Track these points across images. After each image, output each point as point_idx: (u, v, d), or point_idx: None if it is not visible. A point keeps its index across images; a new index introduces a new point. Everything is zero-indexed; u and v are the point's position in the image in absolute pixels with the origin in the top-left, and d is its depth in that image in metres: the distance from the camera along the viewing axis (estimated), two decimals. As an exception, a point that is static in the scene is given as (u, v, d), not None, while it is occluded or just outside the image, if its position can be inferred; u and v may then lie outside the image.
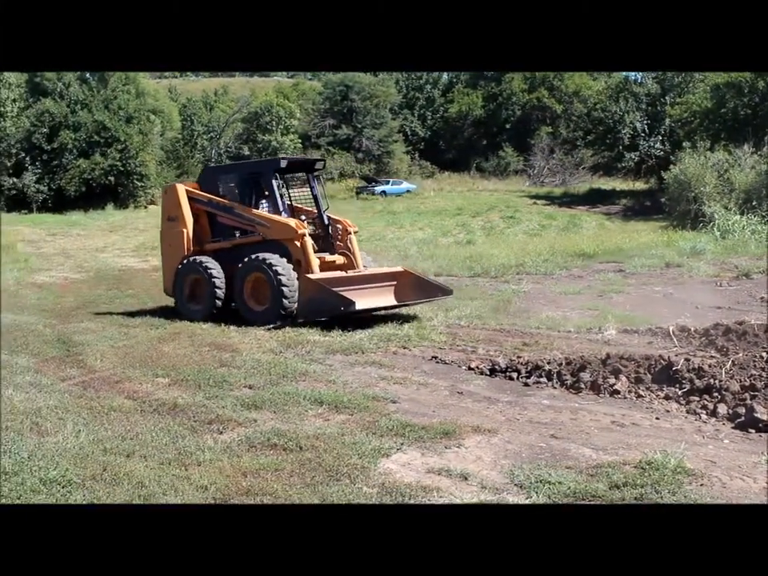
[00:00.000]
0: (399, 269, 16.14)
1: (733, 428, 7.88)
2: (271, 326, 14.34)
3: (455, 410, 8.80)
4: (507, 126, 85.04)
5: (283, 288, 14.53)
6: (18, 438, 7.82)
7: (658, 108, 64.73)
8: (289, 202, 17.10)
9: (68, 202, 58.80)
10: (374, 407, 8.89)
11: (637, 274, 20.23)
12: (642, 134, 64.08)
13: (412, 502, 6.12)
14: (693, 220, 33.71)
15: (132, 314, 16.77)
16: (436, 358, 11.57)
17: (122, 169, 60.72)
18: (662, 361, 9.60)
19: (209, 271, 15.93)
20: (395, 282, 15.48)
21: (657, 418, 8.28)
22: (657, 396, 8.98)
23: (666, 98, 64.52)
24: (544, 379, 9.95)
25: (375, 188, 67.02)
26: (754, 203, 33.17)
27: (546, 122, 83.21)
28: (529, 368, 10.36)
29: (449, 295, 15.45)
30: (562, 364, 10.24)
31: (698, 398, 8.65)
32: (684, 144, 47.51)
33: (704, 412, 8.34)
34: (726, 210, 31.58)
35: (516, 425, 8.21)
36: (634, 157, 64.14)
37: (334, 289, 13.98)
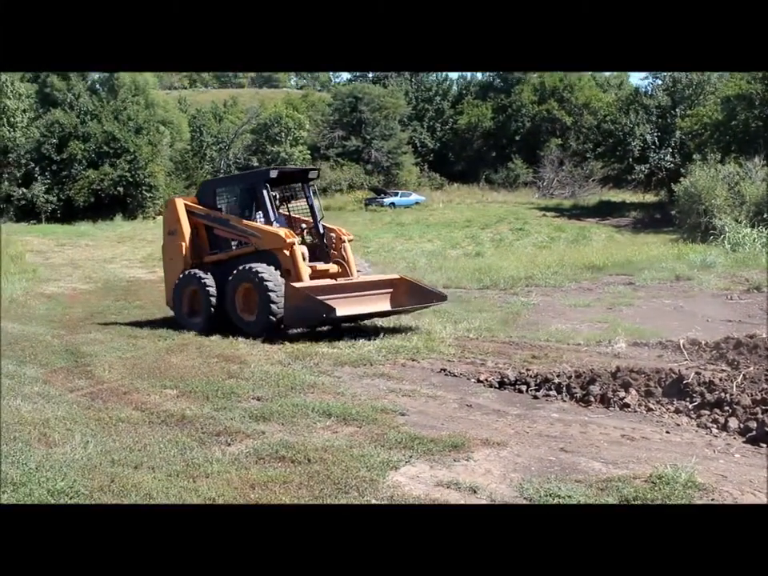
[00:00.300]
0: (395, 276, 16.22)
1: (744, 442, 7.81)
2: (263, 336, 14.40)
3: (464, 423, 8.75)
4: (517, 138, 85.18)
5: (270, 296, 14.60)
6: (25, 448, 7.80)
7: (669, 120, 64.80)
8: (288, 213, 17.22)
9: (77, 212, 59.04)
10: (382, 420, 8.84)
11: (647, 286, 20.14)
12: (653, 146, 64.14)
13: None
14: (703, 233, 33.59)
15: (140, 325, 16.79)
16: (445, 370, 11.52)
17: (131, 179, 60.94)
18: (672, 374, 9.54)
19: (203, 283, 16.16)
20: (390, 289, 15.51)
21: (667, 432, 8.22)
22: (667, 410, 8.92)
23: (677, 110, 64.60)
24: (553, 392, 9.89)
25: (384, 200, 67.13)
26: (764, 216, 33.04)
27: (555, 134, 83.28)
28: (538, 381, 10.30)
29: (443, 301, 15.53)
30: (571, 377, 10.19)
31: (708, 412, 8.59)
32: (694, 156, 47.58)
33: (715, 426, 8.28)
34: (736, 223, 31.45)
35: (525, 438, 8.16)
36: (644, 169, 64.20)
37: (316, 296, 13.97)
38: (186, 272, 16.74)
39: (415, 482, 6.84)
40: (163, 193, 62.58)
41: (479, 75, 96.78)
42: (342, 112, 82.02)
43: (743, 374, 9.40)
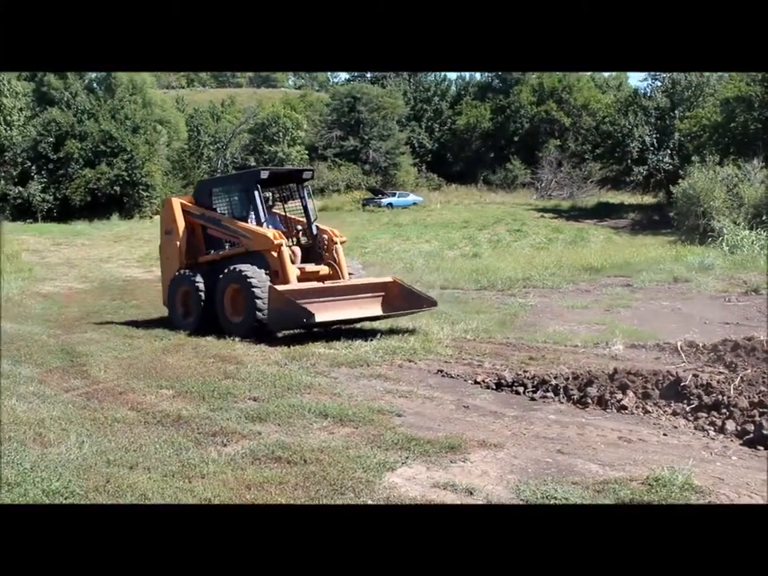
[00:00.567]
0: (386, 279, 15.97)
1: (741, 445, 7.79)
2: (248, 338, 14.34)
3: (461, 424, 8.73)
4: (515, 139, 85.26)
5: (256, 299, 14.54)
6: (20, 448, 7.77)
7: (667, 122, 64.87)
8: (284, 213, 17.17)
9: (73, 211, 59.06)
10: (379, 420, 8.82)
11: (645, 288, 20.14)
12: (651, 148, 64.20)
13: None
14: (701, 235, 33.63)
15: (136, 325, 16.78)
16: (442, 371, 11.51)
17: (128, 179, 60.99)
18: (669, 376, 9.53)
19: (194, 284, 16.18)
20: (381, 293, 15.33)
21: (664, 434, 8.20)
22: (664, 412, 8.91)
23: (676, 111, 64.67)
24: (551, 394, 9.87)
25: (382, 200, 67.12)
26: (763, 218, 33.08)
27: (554, 135, 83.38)
28: (535, 382, 10.29)
29: (434, 307, 15.23)
30: (568, 379, 10.18)
31: (706, 415, 8.58)
32: (693, 158, 47.62)
33: (712, 428, 8.26)
34: (734, 225, 31.48)
35: (522, 440, 8.14)
36: (642, 171, 64.25)
37: (296, 300, 13.86)
38: (179, 272, 16.78)
39: (412, 484, 6.82)
40: (160, 192, 62.65)
41: (478, 76, 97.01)
42: (339, 112, 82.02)
43: (741, 377, 9.39)
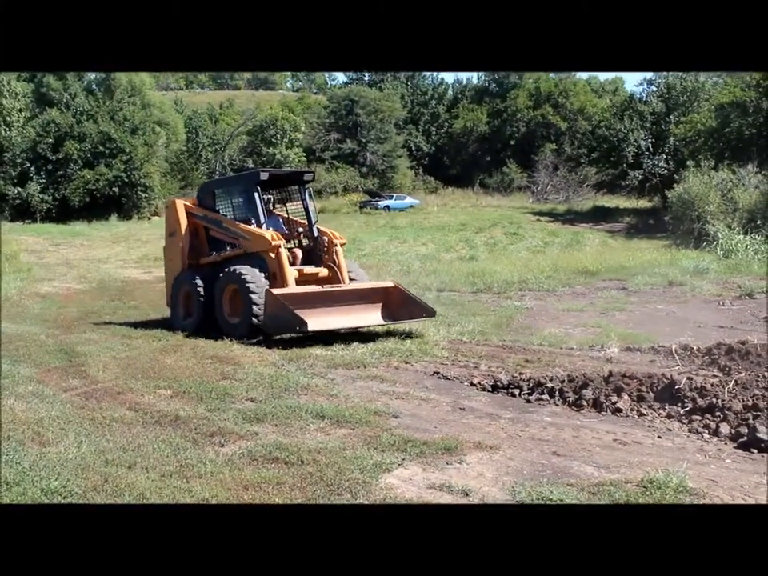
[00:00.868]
0: (388, 284, 15.85)
1: (735, 448, 7.84)
2: (244, 339, 14.35)
3: (457, 426, 8.78)
4: (511, 143, 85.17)
5: (253, 304, 14.51)
6: (19, 447, 7.79)
7: (663, 126, 64.82)
8: (287, 215, 17.18)
9: (72, 212, 58.99)
10: (375, 422, 8.86)
11: (639, 292, 20.22)
12: (647, 153, 64.14)
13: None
14: (696, 239, 33.68)
15: (134, 325, 16.80)
16: (438, 373, 11.55)
17: (127, 180, 60.92)
18: (664, 379, 9.57)
19: (194, 285, 16.21)
20: (381, 299, 15.20)
21: (659, 437, 8.25)
22: (659, 414, 8.95)
23: (671, 116, 64.63)
24: (546, 396, 9.92)
25: (379, 203, 67.00)
26: (757, 223, 33.19)
27: (550, 139, 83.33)
28: (531, 385, 10.33)
29: (432, 316, 14.97)
30: (564, 381, 10.23)
31: (700, 417, 8.62)
32: (688, 163, 47.65)
33: (706, 431, 8.31)
34: (729, 230, 31.57)
35: (518, 441, 8.18)
36: (637, 175, 64.16)
37: (291, 307, 13.76)
38: (182, 273, 16.83)
39: (408, 485, 6.86)
40: (158, 193, 62.64)
41: (475, 80, 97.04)
42: (337, 115, 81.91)
43: (735, 380, 9.44)
